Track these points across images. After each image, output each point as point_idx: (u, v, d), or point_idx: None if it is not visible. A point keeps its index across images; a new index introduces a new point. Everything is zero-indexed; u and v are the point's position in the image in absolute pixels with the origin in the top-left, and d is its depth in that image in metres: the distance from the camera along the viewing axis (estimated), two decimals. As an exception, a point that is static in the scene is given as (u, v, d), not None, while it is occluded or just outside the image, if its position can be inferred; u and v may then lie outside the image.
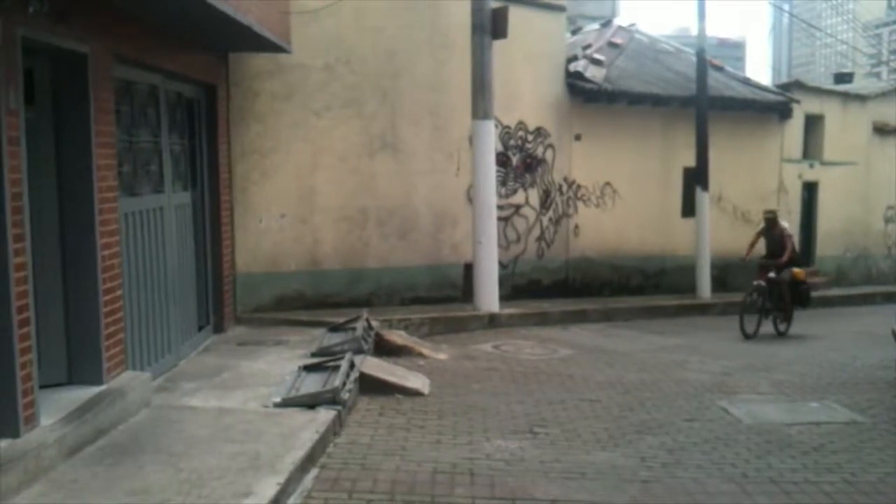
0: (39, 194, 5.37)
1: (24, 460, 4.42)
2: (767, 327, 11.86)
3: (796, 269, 12.15)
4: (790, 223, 13.91)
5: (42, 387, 5.11)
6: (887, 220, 19.36)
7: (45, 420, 4.96)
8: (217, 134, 9.05)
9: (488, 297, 10.98)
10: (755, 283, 11.78)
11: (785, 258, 11.81)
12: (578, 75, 13.61)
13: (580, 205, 13.77)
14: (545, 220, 13.33)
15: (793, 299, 12.08)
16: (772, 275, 11.80)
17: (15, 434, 4.65)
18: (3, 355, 4.63)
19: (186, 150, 8.34)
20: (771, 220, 12.35)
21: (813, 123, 17.49)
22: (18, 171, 4.71)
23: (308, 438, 5.42)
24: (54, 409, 5.17)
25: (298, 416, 5.95)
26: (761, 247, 12.50)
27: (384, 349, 8.73)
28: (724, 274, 15.20)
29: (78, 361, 5.75)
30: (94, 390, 5.64)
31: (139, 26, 6.58)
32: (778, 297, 11.92)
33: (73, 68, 5.57)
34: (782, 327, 12.09)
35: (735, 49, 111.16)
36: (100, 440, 5.24)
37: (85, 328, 5.74)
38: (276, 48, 8.90)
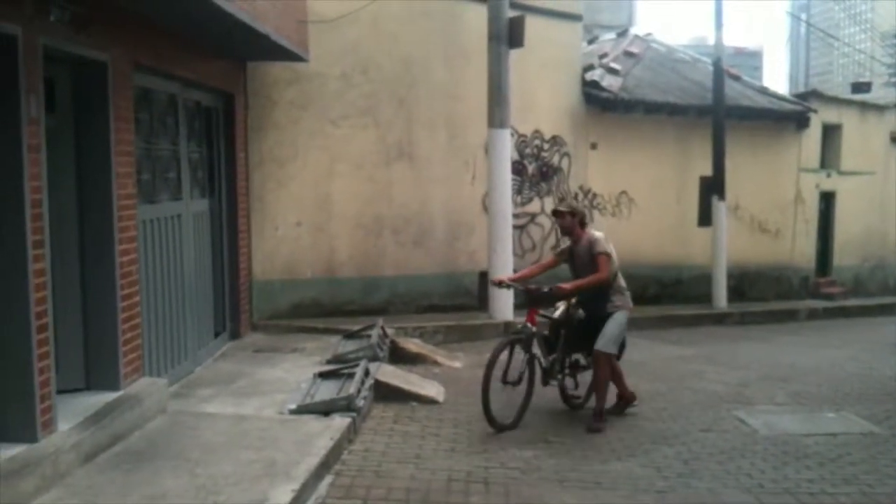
0: (59, 201, 5.42)
1: (42, 465, 4.45)
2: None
3: None
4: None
5: (59, 392, 5.15)
6: (905, 230, 19.23)
7: (63, 425, 4.99)
8: (235, 142, 9.12)
9: (503, 305, 10.95)
10: (519, 326, 6.99)
11: (570, 286, 6.81)
12: (595, 84, 13.62)
13: (596, 213, 13.70)
14: (561, 228, 13.28)
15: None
16: (557, 313, 7.03)
17: (32, 439, 4.68)
18: (22, 360, 4.68)
19: (204, 158, 8.41)
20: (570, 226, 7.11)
21: (830, 133, 17.40)
22: (38, 179, 4.76)
23: (323, 445, 5.43)
24: (71, 414, 5.21)
25: (313, 423, 5.97)
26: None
27: (399, 357, 8.74)
28: (741, 283, 15.24)
29: (95, 367, 5.80)
30: (111, 396, 5.68)
31: (158, 35, 6.65)
32: (566, 350, 7.00)
33: (93, 77, 5.63)
34: (579, 395, 7.27)
35: (752, 58, 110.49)
36: (116, 446, 5.27)
37: (103, 334, 5.79)
38: (294, 57, 8.96)
